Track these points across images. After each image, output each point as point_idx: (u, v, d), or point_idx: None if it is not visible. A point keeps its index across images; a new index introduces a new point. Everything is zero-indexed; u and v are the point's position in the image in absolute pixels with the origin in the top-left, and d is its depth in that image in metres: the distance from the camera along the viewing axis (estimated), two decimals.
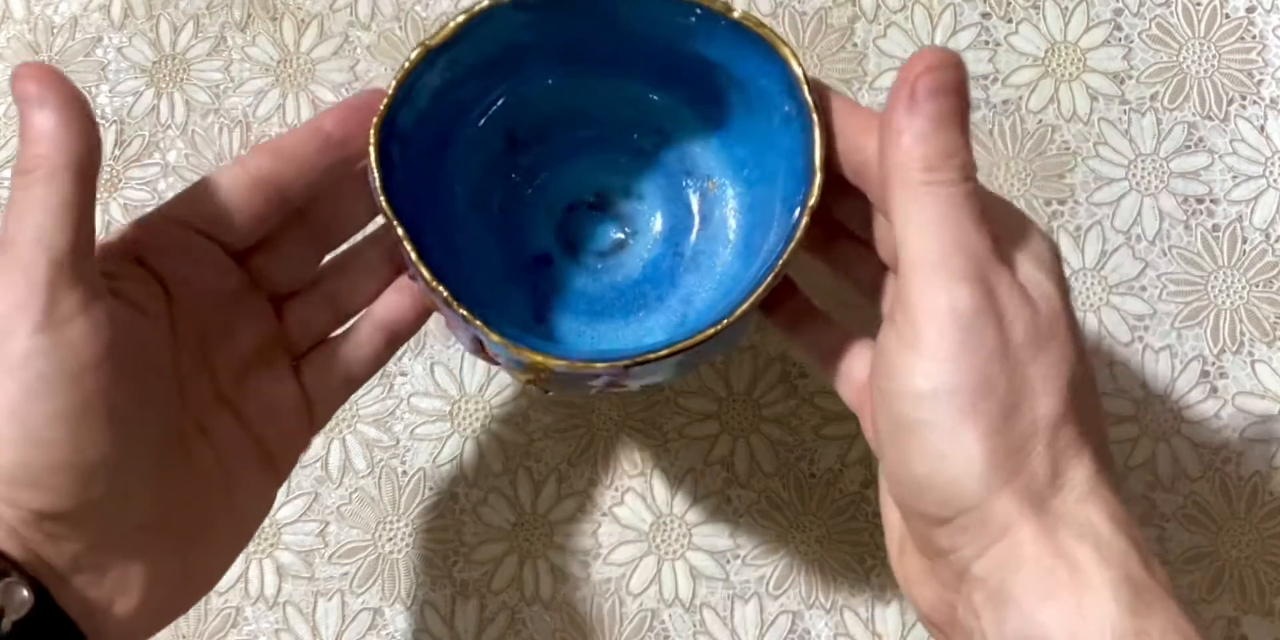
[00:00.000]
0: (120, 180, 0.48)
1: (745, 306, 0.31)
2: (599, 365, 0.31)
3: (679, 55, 0.35)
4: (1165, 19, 0.47)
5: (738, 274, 0.37)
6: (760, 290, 0.32)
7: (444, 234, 0.36)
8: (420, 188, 0.35)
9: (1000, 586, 0.27)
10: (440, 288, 0.32)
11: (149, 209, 0.50)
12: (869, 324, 0.33)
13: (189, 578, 0.32)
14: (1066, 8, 0.48)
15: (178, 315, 0.32)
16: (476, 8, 0.32)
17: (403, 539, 0.45)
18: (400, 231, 0.32)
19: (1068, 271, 0.45)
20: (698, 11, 0.32)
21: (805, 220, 0.31)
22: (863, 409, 0.34)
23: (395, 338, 0.36)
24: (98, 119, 0.48)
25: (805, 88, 0.32)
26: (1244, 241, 0.46)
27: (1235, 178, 0.46)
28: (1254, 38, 0.47)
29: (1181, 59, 0.47)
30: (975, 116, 0.47)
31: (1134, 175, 0.46)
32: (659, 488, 0.45)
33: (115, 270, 0.31)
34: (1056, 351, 0.28)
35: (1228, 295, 0.45)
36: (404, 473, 0.46)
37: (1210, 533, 0.44)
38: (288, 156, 0.33)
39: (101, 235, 0.47)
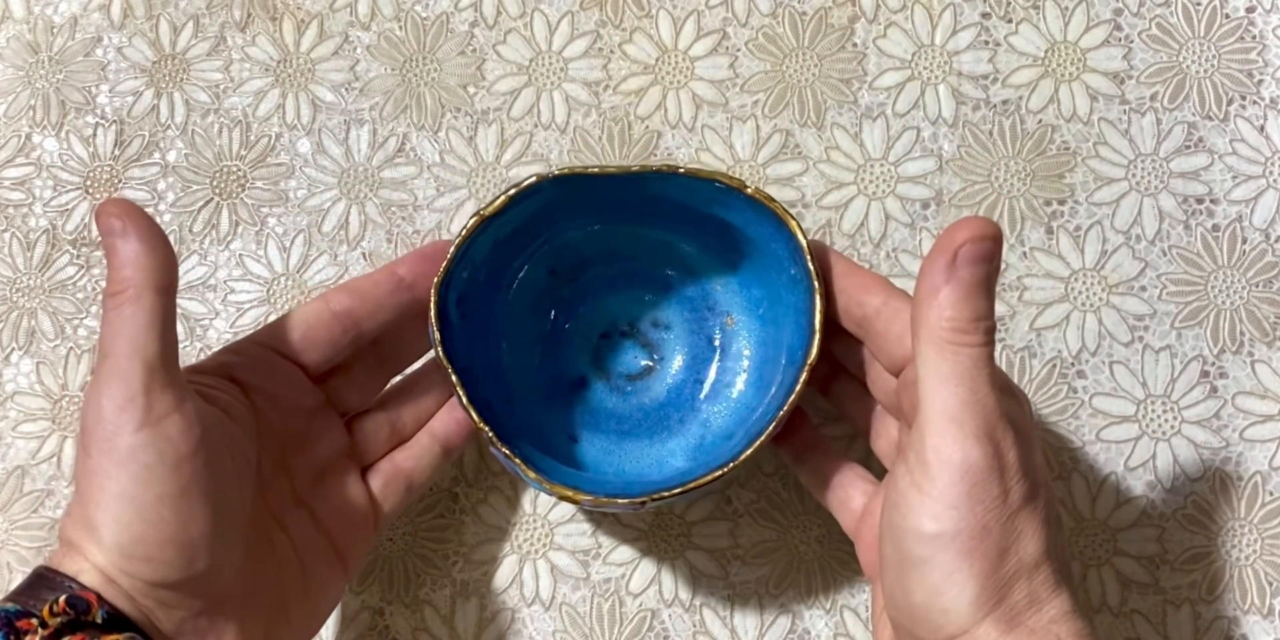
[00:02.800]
0: (120, 180, 0.48)
1: (747, 453, 0.36)
2: (621, 501, 0.36)
3: (702, 215, 0.40)
4: (1165, 19, 0.47)
5: (751, 402, 0.41)
6: (761, 439, 0.36)
7: (494, 367, 0.41)
8: (474, 330, 0.40)
9: None
10: (486, 429, 0.37)
11: (149, 209, 0.50)
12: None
13: None
14: (1066, 8, 0.48)
15: (262, 424, 0.37)
16: (525, 183, 0.37)
17: (403, 539, 0.45)
18: (455, 379, 0.37)
19: (1067, 272, 0.45)
20: (718, 186, 0.37)
21: (805, 377, 0.36)
22: (859, 536, 0.38)
23: (450, 450, 0.41)
24: (97, 119, 0.48)
25: (809, 258, 0.36)
26: (1244, 241, 0.46)
27: (1235, 178, 0.46)
28: (1254, 38, 0.47)
29: (1181, 59, 0.47)
30: (975, 116, 0.47)
31: (1134, 175, 0.46)
32: None
33: (208, 381, 0.36)
34: (1041, 499, 0.32)
35: (1228, 295, 0.45)
36: None
37: (1210, 533, 0.44)
38: (365, 296, 0.38)
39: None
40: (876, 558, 0.35)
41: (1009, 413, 0.32)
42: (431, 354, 0.42)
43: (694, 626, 0.44)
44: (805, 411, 0.41)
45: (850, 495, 0.39)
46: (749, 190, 0.37)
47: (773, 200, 0.37)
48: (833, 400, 0.41)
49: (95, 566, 0.32)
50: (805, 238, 0.37)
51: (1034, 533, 0.31)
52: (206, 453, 0.33)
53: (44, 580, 0.32)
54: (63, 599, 0.31)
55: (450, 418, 0.41)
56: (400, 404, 0.41)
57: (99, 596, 0.32)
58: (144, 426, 0.32)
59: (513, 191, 0.37)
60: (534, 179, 0.37)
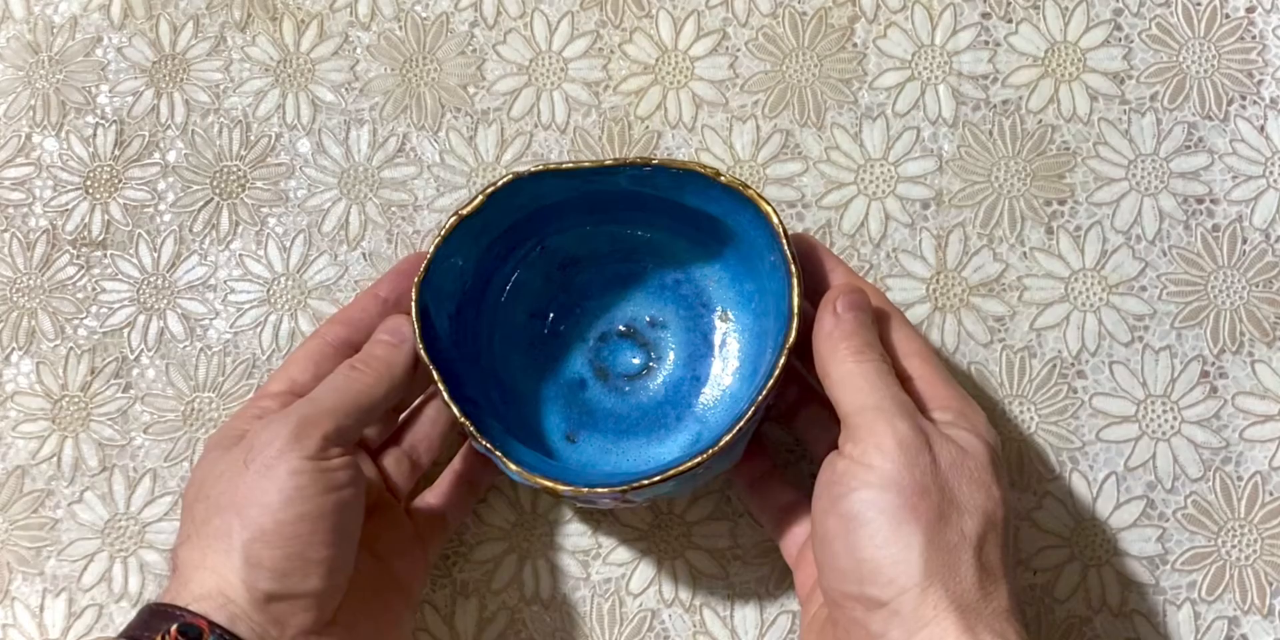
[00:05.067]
0: (120, 180, 0.48)
1: (726, 440, 0.36)
2: (601, 490, 0.36)
3: (687, 210, 0.40)
4: (1165, 19, 0.47)
5: (746, 396, 0.40)
6: (740, 425, 0.36)
7: (486, 369, 0.42)
8: (464, 334, 0.41)
9: None
10: (467, 422, 0.37)
11: (148, 209, 0.50)
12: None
13: None
14: (1066, 8, 0.47)
15: None
16: (501, 181, 0.38)
17: None
18: (436, 376, 0.37)
19: (1067, 272, 0.45)
20: (693, 175, 0.38)
21: (784, 360, 0.36)
22: (799, 565, 0.40)
23: (475, 486, 0.43)
24: (97, 119, 0.48)
25: (785, 242, 0.37)
26: (1244, 241, 0.46)
27: (1235, 178, 0.46)
28: (1254, 38, 0.47)
29: (1181, 59, 0.47)
30: (975, 116, 0.47)
31: (1134, 175, 0.46)
32: None
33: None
34: (982, 491, 0.35)
35: (1228, 295, 0.45)
36: None
37: (1210, 533, 0.44)
38: (356, 324, 0.41)
39: (101, 234, 0.47)
40: (813, 581, 0.37)
41: (955, 419, 0.36)
42: (431, 388, 0.42)
43: (694, 626, 0.44)
44: (766, 445, 0.43)
45: (795, 529, 0.40)
46: (724, 178, 0.37)
47: (747, 186, 0.37)
48: (798, 426, 0.42)
49: (213, 583, 0.34)
50: (781, 222, 0.37)
51: (974, 513, 0.34)
52: (354, 491, 0.36)
53: (156, 614, 0.34)
54: (174, 627, 0.33)
55: (470, 455, 0.43)
56: (413, 439, 0.42)
57: (210, 623, 0.33)
58: (310, 458, 0.35)
59: (490, 190, 0.38)
60: (510, 177, 0.38)
